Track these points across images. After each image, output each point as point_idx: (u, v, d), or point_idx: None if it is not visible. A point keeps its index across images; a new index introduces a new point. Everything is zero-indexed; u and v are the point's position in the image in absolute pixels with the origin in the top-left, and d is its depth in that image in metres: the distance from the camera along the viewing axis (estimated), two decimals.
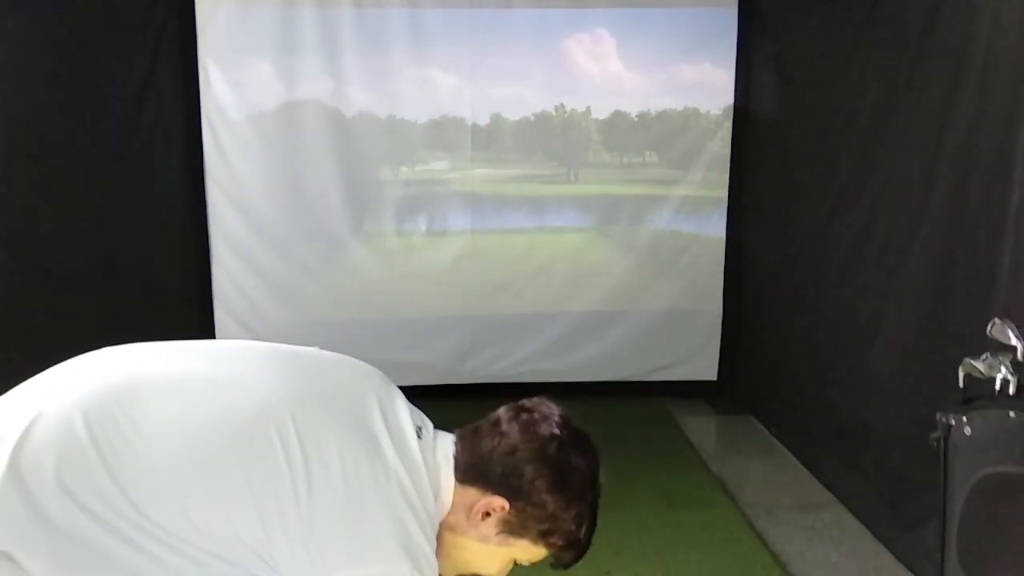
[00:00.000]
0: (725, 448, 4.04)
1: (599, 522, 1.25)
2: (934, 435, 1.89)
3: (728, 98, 4.27)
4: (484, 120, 4.24)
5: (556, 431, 1.21)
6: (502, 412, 1.25)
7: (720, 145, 4.33)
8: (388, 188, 4.33)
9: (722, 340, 4.53)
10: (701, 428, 4.22)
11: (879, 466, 3.02)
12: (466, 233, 4.37)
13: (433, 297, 4.41)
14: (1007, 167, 2.24)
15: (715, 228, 4.43)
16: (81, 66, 3.74)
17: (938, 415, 1.88)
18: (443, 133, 4.27)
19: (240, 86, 4.11)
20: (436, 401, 3.95)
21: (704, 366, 4.57)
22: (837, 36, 3.37)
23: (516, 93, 4.22)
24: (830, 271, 3.45)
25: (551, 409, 1.24)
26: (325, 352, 1.31)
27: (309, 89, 4.15)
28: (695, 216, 4.44)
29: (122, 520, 1.01)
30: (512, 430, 1.21)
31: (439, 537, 1.18)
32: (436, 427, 1.29)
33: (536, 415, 1.23)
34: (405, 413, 1.21)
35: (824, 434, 3.51)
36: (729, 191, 4.38)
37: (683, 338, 4.53)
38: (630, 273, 4.51)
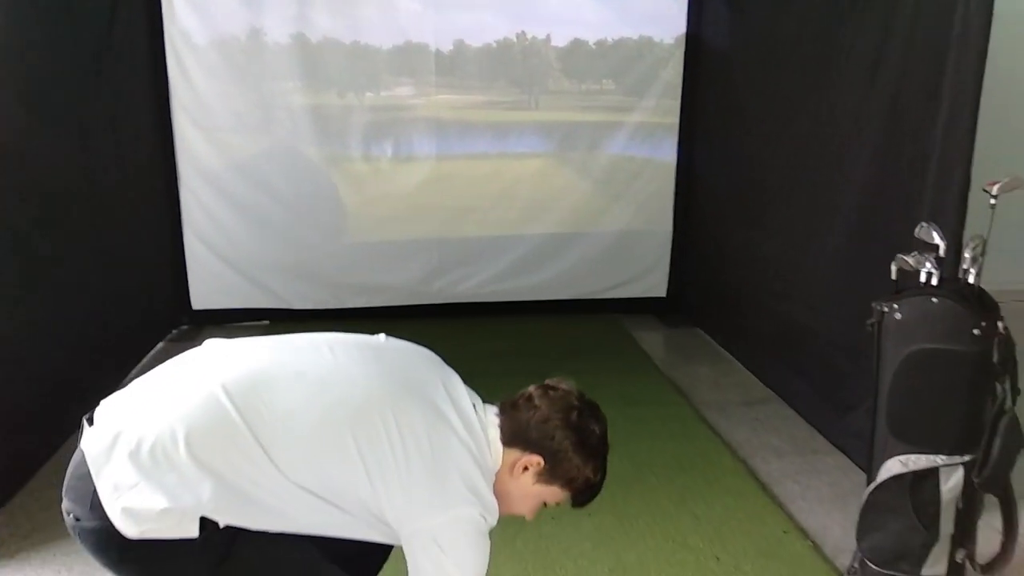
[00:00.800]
0: (676, 356, 4.37)
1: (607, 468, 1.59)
2: (870, 321, 2.20)
3: (681, 27, 4.48)
4: (447, 46, 4.37)
5: (576, 403, 1.55)
6: (533, 389, 1.58)
7: (672, 73, 4.55)
8: (354, 114, 4.44)
9: (672, 259, 4.84)
10: (653, 340, 4.55)
11: (815, 364, 3.38)
12: (431, 158, 4.53)
13: (400, 221, 4.58)
14: (936, 86, 2.51)
15: (667, 153, 4.69)
16: None
17: (873, 304, 2.19)
18: (407, 59, 4.38)
19: (205, 11, 4.13)
20: (405, 321, 4.24)
21: (655, 283, 4.88)
22: None
23: (478, 20, 4.34)
24: (772, 189, 3.75)
25: (571, 387, 1.59)
26: (397, 341, 1.64)
27: (274, 14, 4.20)
28: (648, 142, 4.68)
29: (269, 478, 1.35)
30: (543, 404, 1.54)
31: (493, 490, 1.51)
32: (465, 385, 1.61)
33: (560, 392, 1.57)
34: (464, 393, 1.56)
35: (766, 340, 3.86)
36: (680, 117, 4.63)
37: (636, 258, 4.82)
38: (587, 197, 4.75)
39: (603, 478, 1.58)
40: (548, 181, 4.75)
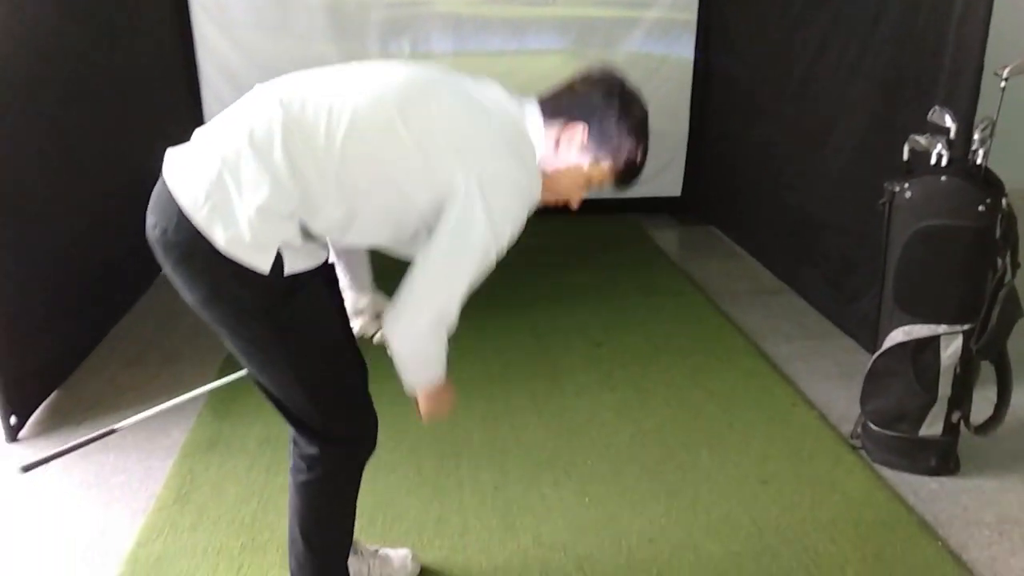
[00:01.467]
0: (690, 252, 4.50)
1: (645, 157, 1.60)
2: (882, 201, 2.32)
3: None
4: None
5: (618, 83, 1.55)
6: (574, 78, 1.57)
7: None
8: (372, 10, 4.44)
9: (687, 158, 4.91)
10: (668, 237, 4.67)
11: (826, 255, 3.51)
12: (448, 55, 4.55)
13: None
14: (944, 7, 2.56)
15: (684, 50, 4.69)
16: None
17: (886, 184, 2.31)
18: None
19: None
20: None
21: (670, 183, 4.96)
22: None
23: None
24: (789, 85, 3.79)
25: (615, 72, 1.58)
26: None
27: None
28: (665, 39, 4.68)
29: (337, 172, 1.43)
30: (585, 85, 1.55)
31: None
32: None
33: (601, 73, 1.57)
34: (497, 87, 1.59)
35: (778, 234, 3.98)
36: (698, 13, 4.61)
37: (651, 157, 4.85)
38: None
39: (644, 160, 1.57)
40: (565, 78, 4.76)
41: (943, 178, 2.19)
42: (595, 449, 2.51)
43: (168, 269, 1.50)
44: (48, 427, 2.67)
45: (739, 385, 2.90)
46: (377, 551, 1.92)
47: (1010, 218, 2.18)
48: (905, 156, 2.30)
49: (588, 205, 5.31)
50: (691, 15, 4.62)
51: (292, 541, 1.70)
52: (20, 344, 2.62)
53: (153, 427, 2.65)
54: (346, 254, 1.76)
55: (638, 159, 1.56)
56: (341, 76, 1.53)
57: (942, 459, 2.37)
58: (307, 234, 1.45)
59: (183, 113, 4.43)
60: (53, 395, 2.83)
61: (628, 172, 1.57)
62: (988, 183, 2.18)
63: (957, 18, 2.57)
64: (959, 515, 2.22)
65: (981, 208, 2.14)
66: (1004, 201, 2.16)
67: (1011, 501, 2.28)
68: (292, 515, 1.69)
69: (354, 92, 1.47)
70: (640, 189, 4.98)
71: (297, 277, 1.45)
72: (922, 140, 2.24)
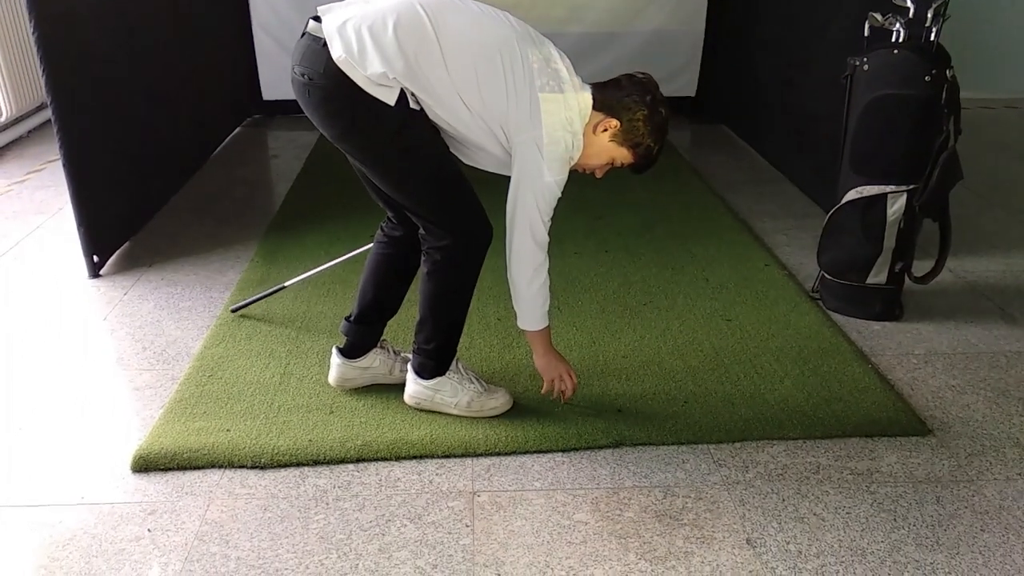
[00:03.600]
0: (699, 148, 4.80)
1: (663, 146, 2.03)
2: (844, 74, 2.62)
3: None
4: None
5: (652, 90, 1.98)
6: (622, 76, 2.00)
7: None
8: None
9: (702, 59, 5.15)
10: (680, 135, 4.95)
11: (816, 144, 3.79)
12: None
13: None
14: None
15: None
16: None
17: (848, 59, 2.60)
18: None
19: None
20: None
21: (686, 83, 5.22)
22: None
23: None
24: (800, 4, 4.01)
25: (651, 78, 2.00)
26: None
27: None
28: None
29: (438, 75, 1.84)
30: (629, 83, 1.98)
31: None
32: None
33: (642, 79, 1.99)
34: (565, 59, 1.98)
35: (777, 128, 4.25)
36: None
37: (668, 58, 5.13)
38: None
39: (660, 152, 2.02)
40: None
41: (895, 51, 2.48)
42: (586, 294, 2.91)
43: (311, 110, 1.92)
44: (123, 267, 3.14)
45: (721, 251, 3.26)
46: (399, 352, 2.35)
47: (954, 88, 2.47)
48: (866, 32, 2.59)
49: None
50: None
51: (422, 321, 2.14)
52: (101, 198, 3.08)
53: (212, 268, 3.12)
54: None
55: (655, 150, 2.00)
56: (466, 6, 1.92)
57: (887, 305, 2.73)
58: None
59: (234, 14, 4.82)
60: (127, 244, 3.30)
61: (645, 162, 2.03)
62: (937, 57, 2.47)
63: None
64: (892, 348, 2.59)
65: (927, 78, 2.43)
66: (949, 72, 2.45)
67: (942, 340, 2.64)
68: (424, 299, 2.10)
69: (474, 24, 1.87)
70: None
71: (414, 112, 1.88)
72: (879, 17, 2.53)
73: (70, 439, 2.15)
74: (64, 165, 2.90)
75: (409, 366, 2.22)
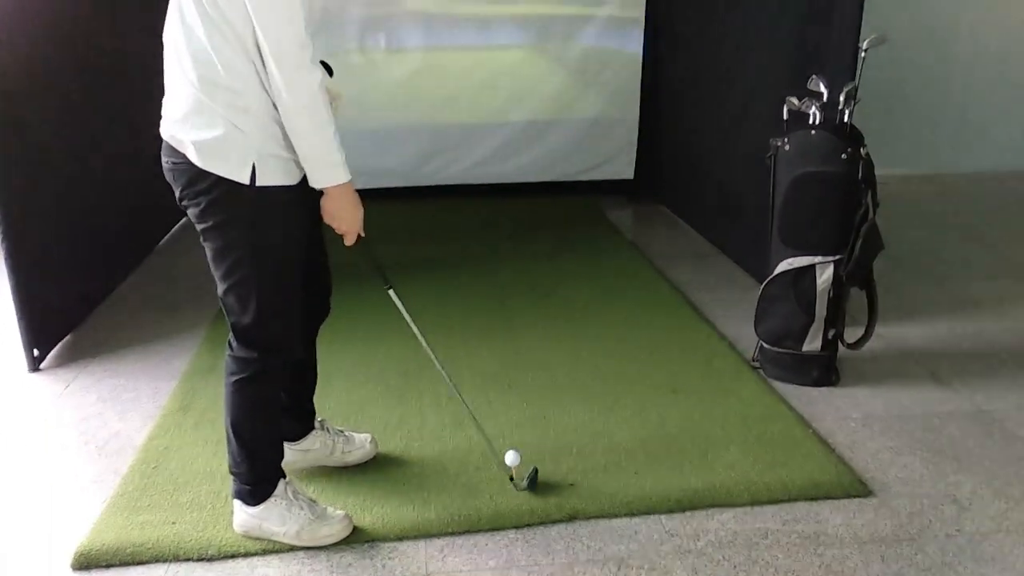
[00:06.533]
0: (639, 226, 4.96)
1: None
2: (768, 154, 2.78)
3: None
4: None
5: None
6: None
7: None
8: (350, 9, 4.88)
9: (639, 143, 5.38)
10: (621, 215, 5.12)
11: (749, 218, 3.96)
12: (420, 50, 5.01)
13: (393, 108, 5.08)
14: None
15: (634, 45, 5.16)
16: None
17: (770, 140, 2.77)
18: None
19: None
20: (402, 200, 4.85)
21: (623, 166, 5.42)
22: None
23: None
24: (717, 72, 4.26)
25: None
26: None
27: None
28: (617, 34, 5.14)
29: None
30: None
31: None
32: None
33: None
34: None
35: (711, 206, 4.44)
36: (645, 12, 5.09)
37: (606, 143, 5.34)
38: (562, 86, 5.24)
39: None
40: (527, 71, 5.23)
41: (813, 132, 2.66)
42: (535, 369, 2.95)
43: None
44: (65, 360, 3.09)
45: (663, 323, 3.35)
46: (342, 431, 2.35)
47: (868, 164, 2.64)
48: (784, 116, 2.77)
49: (548, 186, 5.79)
50: (639, 12, 5.09)
51: (227, 437, 1.97)
52: (44, 289, 3.04)
53: (158, 358, 3.08)
54: None
55: None
56: None
57: (823, 371, 2.83)
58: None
59: None
60: (69, 336, 3.25)
61: None
62: (851, 136, 2.65)
63: (837, 14, 3.05)
64: (831, 413, 2.68)
65: (843, 156, 2.61)
66: (863, 150, 2.63)
67: (877, 404, 2.74)
68: (225, 414, 1.95)
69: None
70: (597, 172, 5.54)
71: None
72: (795, 100, 2.71)
73: (7, 538, 2.07)
74: (4, 255, 2.87)
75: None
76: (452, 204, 5.08)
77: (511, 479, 2.22)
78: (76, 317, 3.34)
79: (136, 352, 3.13)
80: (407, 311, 2.12)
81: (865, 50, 2.65)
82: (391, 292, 2.08)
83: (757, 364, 2.96)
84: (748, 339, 3.17)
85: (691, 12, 4.67)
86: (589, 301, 3.58)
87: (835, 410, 2.69)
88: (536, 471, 2.24)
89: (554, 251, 4.27)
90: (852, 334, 2.87)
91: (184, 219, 4.91)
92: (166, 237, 4.56)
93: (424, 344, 2.16)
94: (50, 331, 3.11)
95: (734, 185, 4.09)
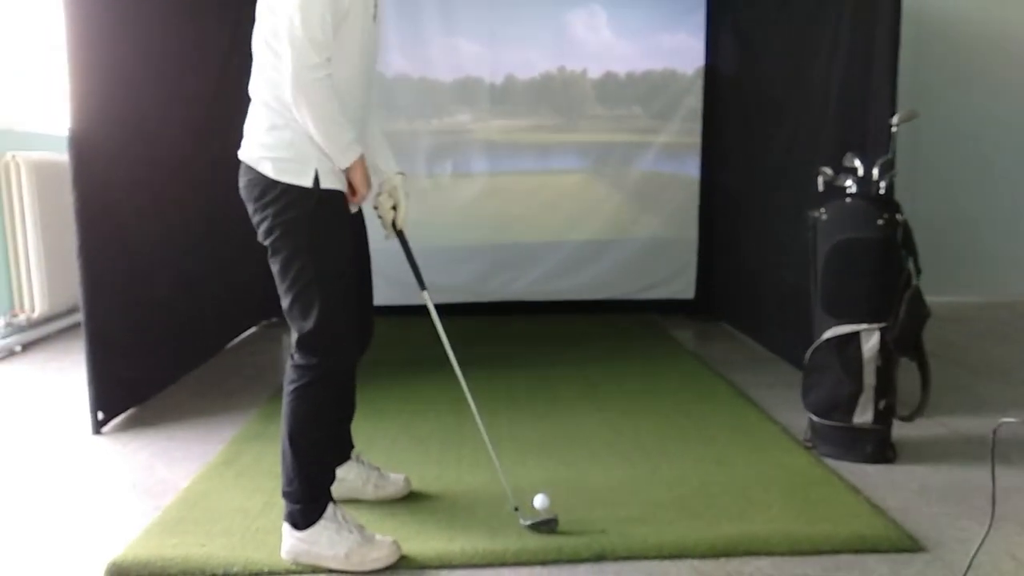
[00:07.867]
0: (700, 340, 4.94)
1: None
2: (808, 227, 2.83)
3: (700, 60, 5.25)
4: (500, 80, 5.23)
5: None
6: None
7: (694, 100, 5.30)
8: (420, 138, 5.30)
9: (698, 262, 5.46)
10: (682, 332, 5.12)
11: (803, 323, 3.93)
12: (484, 174, 5.33)
13: (458, 228, 5.36)
14: (864, 99, 3.20)
15: (691, 169, 5.38)
16: None
17: (808, 212, 2.83)
18: (466, 91, 5.25)
19: None
20: (463, 317, 5.03)
21: (684, 285, 5.49)
22: (792, 10, 4.33)
23: (526, 57, 5.20)
24: (771, 189, 4.39)
25: None
26: None
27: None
28: (674, 159, 5.39)
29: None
30: None
31: None
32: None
33: None
34: None
35: (774, 316, 4.41)
36: (702, 138, 5.34)
37: (666, 262, 5.46)
38: (620, 207, 5.45)
39: None
40: (586, 194, 5.48)
41: (847, 200, 2.71)
42: (578, 443, 2.92)
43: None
44: (126, 427, 3.23)
45: (715, 411, 3.29)
46: (377, 468, 2.36)
47: (907, 230, 2.66)
48: (820, 187, 2.84)
49: (610, 305, 5.87)
50: (696, 139, 5.35)
51: (283, 452, 2.02)
52: (114, 364, 3.24)
53: (210, 426, 3.20)
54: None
55: None
56: None
57: (878, 447, 2.71)
58: None
59: None
60: (132, 409, 3.41)
61: None
62: (886, 203, 2.68)
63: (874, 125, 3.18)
64: (885, 484, 2.53)
65: (880, 222, 2.63)
66: (899, 216, 2.65)
67: (937, 478, 2.58)
68: (282, 428, 2.01)
69: None
70: (657, 291, 5.64)
71: None
72: (829, 171, 2.79)
73: (46, 552, 2.13)
74: (84, 327, 3.10)
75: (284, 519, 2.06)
76: (513, 321, 5.20)
77: (515, 508, 2.18)
78: (142, 393, 3.51)
79: (191, 422, 3.25)
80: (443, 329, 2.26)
81: (896, 125, 2.74)
82: (425, 294, 2.19)
83: (810, 443, 2.85)
84: (803, 425, 3.07)
85: (742, 137, 4.88)
86: (637, 392, 3.55)
87: (890, 483, 2.55)
88: (556, 520, 2.18)
89: (607, 355, 4.28)
90: (905, 408, 2.76)
91: (255, 327, 5.18)
92: (237, 339, 4.80)
93: (457, 370, 2.22)
94: (116, 400, 3.27)
95: (793, 287, 4.08)
